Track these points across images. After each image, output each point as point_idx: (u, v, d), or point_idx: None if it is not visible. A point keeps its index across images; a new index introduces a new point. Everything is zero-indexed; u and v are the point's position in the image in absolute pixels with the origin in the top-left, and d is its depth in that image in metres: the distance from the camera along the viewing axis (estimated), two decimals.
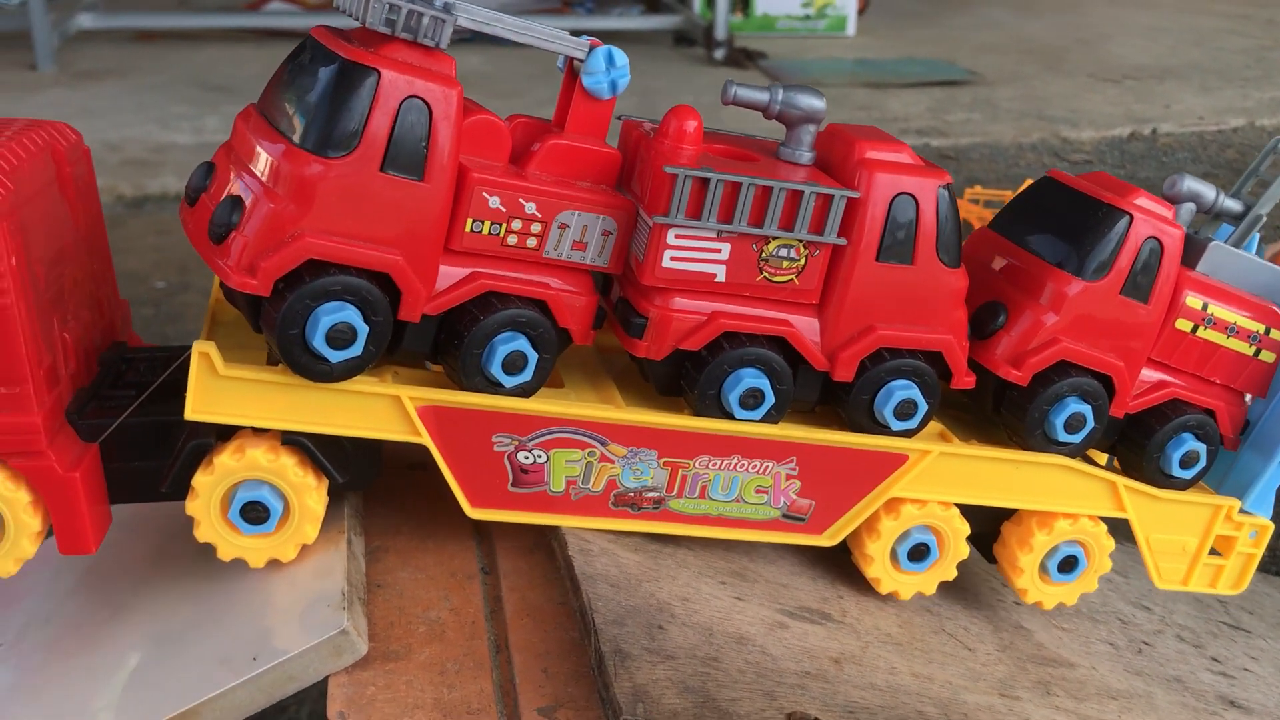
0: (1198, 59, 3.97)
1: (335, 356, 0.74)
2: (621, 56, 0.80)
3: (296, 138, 0.72)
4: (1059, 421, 0.89)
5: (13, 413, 0.72)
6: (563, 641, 0.79)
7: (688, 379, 0.84)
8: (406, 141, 0.73)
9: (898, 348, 0.85)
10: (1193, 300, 0.91)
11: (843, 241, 0.82)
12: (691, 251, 0.80)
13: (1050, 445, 0.90)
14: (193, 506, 0.77)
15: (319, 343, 0.73)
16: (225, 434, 0.79)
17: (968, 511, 0.91)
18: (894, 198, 0.82)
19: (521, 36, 0.79)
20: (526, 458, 0.81)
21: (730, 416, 0.84)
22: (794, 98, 0.84)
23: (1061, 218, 0.91)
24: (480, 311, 0.78)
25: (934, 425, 0.93)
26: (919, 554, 0.90)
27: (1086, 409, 0.89)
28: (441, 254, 0.77)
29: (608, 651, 0.72)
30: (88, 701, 0.77)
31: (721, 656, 0.76)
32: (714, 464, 0.85)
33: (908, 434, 0.87)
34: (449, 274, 0.77)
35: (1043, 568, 0.93)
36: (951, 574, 0.92)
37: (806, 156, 0.85)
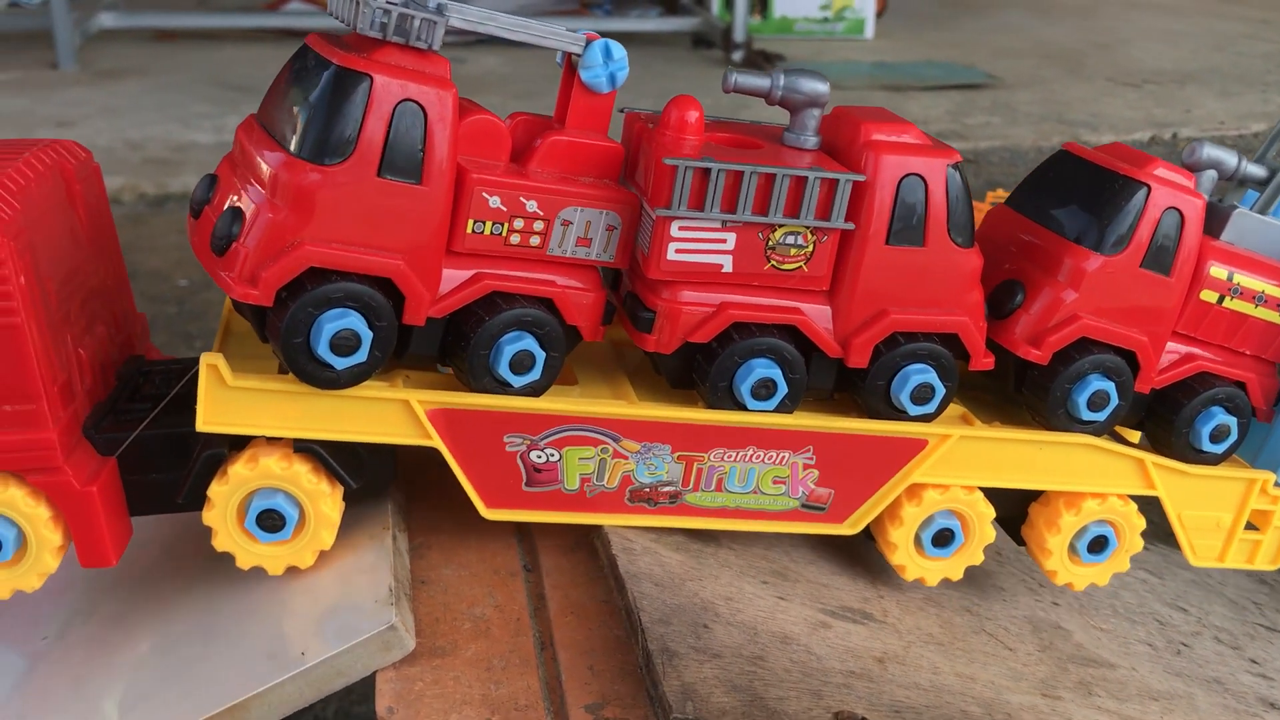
0: (1218, 63, 3.95)
1: (341, 363, 0.74)
2: (619, 49, 0.80)
3: (293, 147, 0.73)
4: (1082, 400, 0.87)
5: (28, 430, 0.73)
6: (607, 639, 0.79)
7: (699, 372, 0.83)
8: (403, 145, 0.73)
9: (912, 331, 0.84)
10: (1217, 270, 0.88)
11: (850, 226, 0.80)
12: (696, 243, 0.79)
13: (1074, 424, 0.88)
14: (209, 516, 0.78)
15: (324, 350, 0.73)
16: (239, 443, 0.79)
17: (993, 494, 0.90)
18: (901, 179, 0.80)
19: (516, 35, 0.78)
20: (539, 457, 0.81)
21: (743, 408, 0.83)
22: (796, 82, 0.82)
23: (1078, 191, 0.89)
24: (485, 312, 0.78)
25: (955, 408, 0.92)
26: (944, 539, 0.89)
27: (1110, 386, 0.87)
28: (444, 256, 0.77)
29: (655, 650, 0.72)
30: (133, 695, 0.78)
31: (767, 655, 0.76)
32: (729, 456, 0.84)
33: (926, 418, 0.86)
34: (452, 276, 0.77)
35: (1072, 549, 0.92)
36: (979, 558, 0.90)
37: (812, 141, 0.84)
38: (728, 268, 0.80)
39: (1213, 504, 0.94)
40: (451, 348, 0.79)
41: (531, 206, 0.77)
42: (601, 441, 0.82)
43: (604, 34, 0.81)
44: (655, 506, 0.85)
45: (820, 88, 0.83)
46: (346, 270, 0.73)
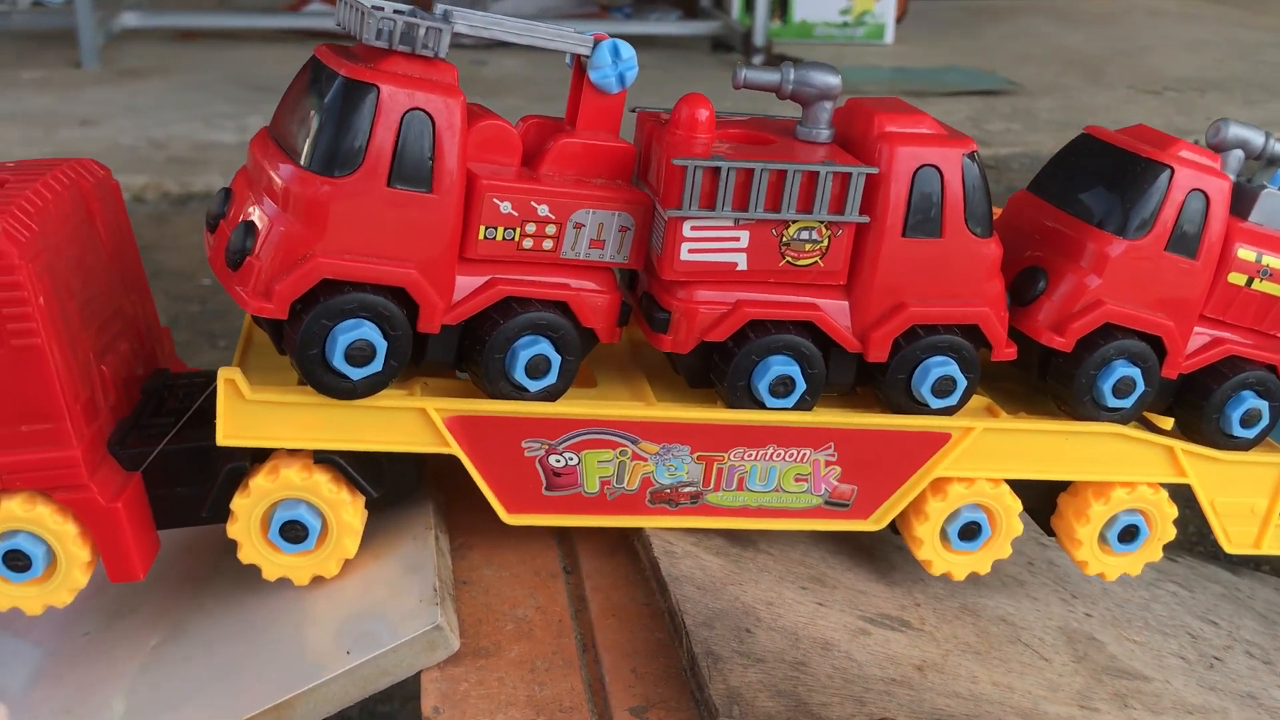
0: (1240, 72, 3.91)
1: (356, 374, 0.75)
2: (627, 49, 0.79)
3: (303, 159, 0.73)
4: (1107, 387, 0.85)
5: (52, 448, 0.74)
6: (649, 642, 0.79)
7: (716, 371, 0.82)
8: (412, 154, 0.73)
9: (932, 324, 0.83)
10: (1245, 252, 0.86)
11: (865, 219, 0.80)
12: (710, 242, 0.79)
13: (1100, 412, 0.87)
14: (234, 530, 0.79)
15: (339, 361, 0.74)
16: (261, 456, 0.80)
17: (1020, 485, 0.89)
18: (916, 170, 0.79)
19: (523, 38, 0.78)
20: (558, 461, 0.81)
21: (762, 406, 0.82)
22: (807, 75, 0.82)
23: (1100, 175, 0.88)
24: (500, 317, 0.78)
25: (980, 399, 0.90)
26: (970, 533, 0.88)
27: (1135, 372, 0.86)
28: (457, 263, 0.77)
29: (700, 653, 0.72)
30: (179, 691, 0.78)
31: (809, 661, 0.75)
32: (749, 455, 0.83)
33: (948, 411, 0.85)
34: (466, 283, 0.77)
35: (1102, 538, 0.90)
36: (1006, 551, 0.89)
37: (825, 134, 0.83)
38: (742, 265, 0.80)
39: (1246, 490, 0.92)
40: (467, 353, 0.79)
41: (543, 210, 0.77)
42: (620, 444, 0.81)
43: (624, 37, 0.80)
44: (676, 507, 0.84)
45: (831, 80, 0.82)
46: (360, 281, 0.74)
